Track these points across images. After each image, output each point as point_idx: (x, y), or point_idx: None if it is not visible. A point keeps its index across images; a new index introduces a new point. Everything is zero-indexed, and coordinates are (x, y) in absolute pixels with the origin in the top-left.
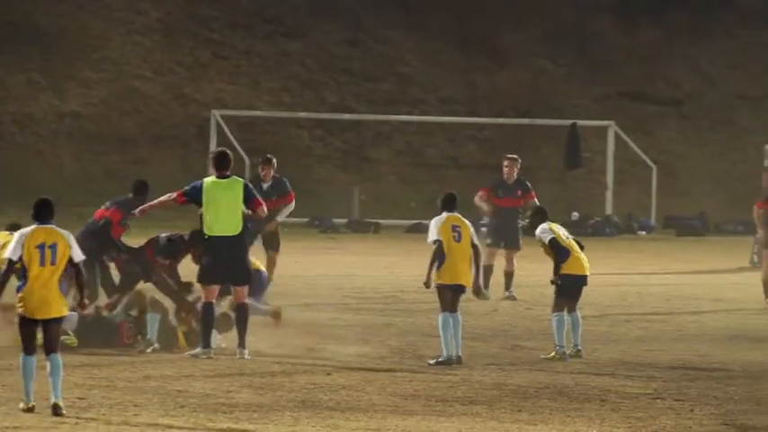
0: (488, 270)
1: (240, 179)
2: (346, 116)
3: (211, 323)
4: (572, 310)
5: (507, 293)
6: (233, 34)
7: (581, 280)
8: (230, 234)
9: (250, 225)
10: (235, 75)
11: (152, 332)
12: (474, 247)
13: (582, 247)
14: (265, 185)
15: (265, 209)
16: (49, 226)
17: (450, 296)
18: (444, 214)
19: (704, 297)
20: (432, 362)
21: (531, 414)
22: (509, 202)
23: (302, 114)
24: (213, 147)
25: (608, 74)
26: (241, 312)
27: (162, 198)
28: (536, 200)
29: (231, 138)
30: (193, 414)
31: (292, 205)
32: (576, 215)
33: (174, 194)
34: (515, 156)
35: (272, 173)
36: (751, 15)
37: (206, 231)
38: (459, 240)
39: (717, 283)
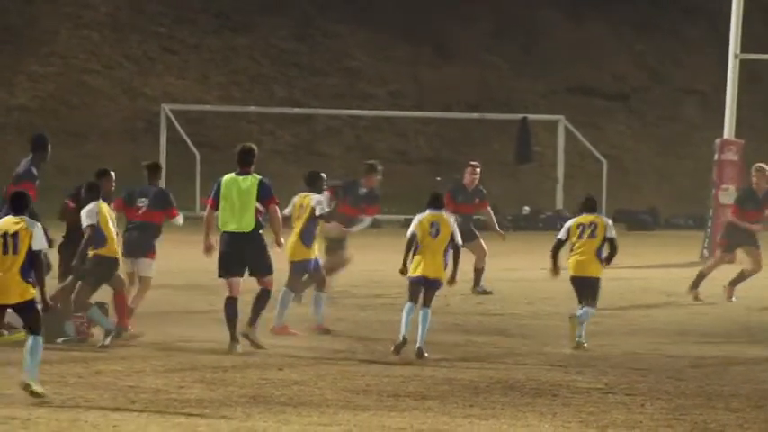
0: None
1: (257, 176)
2: (296, 110)
3: (233, 317)
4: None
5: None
6: (181, 29)
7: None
8: (242, 231)
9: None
10: (184, 69)
11: (103, 322)
12: (455, 246)
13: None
14: (363, 191)
15: (278, 209)
16: (19, 217)
17: (413, 288)
18: (427, 211)
19: (656, 291)
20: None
21: (483, 409)
22: (466, 209)
23: (252, 108)
24: (163, 141)
25: (556, 68)
26: (262, 297)
27: (208, 220)
28: (489, 209)
29: (181, 132)
30: (145, 410)
31: (370, 220)
32: (527, 209)
33: (207, 206)
34: (478, 163)
35: (376, 181)
36: (697, 11)
37: (219, 226)
38: (435, 236)
39: (668, 278)
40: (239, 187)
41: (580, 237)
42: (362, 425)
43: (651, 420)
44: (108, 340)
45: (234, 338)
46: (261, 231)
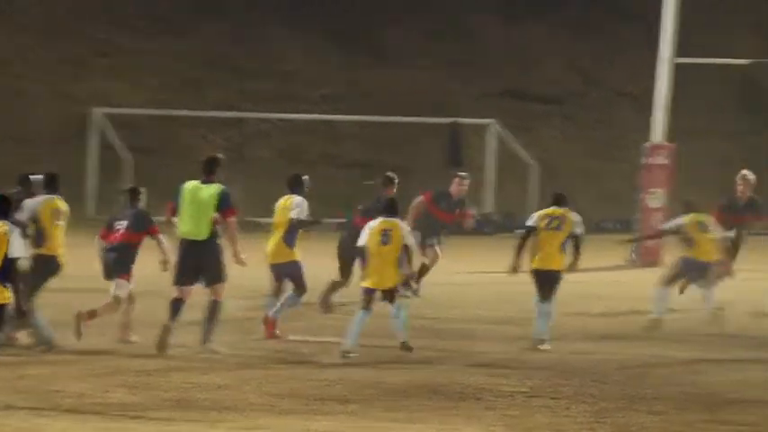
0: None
1: (220, 186)
2: (228, 114)
3: (176, 314)
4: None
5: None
6: (115, 32)
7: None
8: (197, 238)
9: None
10: (117, 72)
11: (44, 331)
12: (406, 247)
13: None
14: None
15: (235, 221)
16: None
17: (365, 297)
18: (379, 219)
19: (583, 294)
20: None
21: (408, 413)
22: (447, 217)
23: (184, 112)
24: (95, 145)
25: (490, 72)
26: (212, 308)
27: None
28: (472, 219)
29: (113, 136)
30: (68, 414)
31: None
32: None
33: (168, 211)
34: (466, 174)
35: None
36: (632, 14)
37: (177, 232)
38: (386, 243)
39: (596, 281)
40: (200, 195)
41: (547, 227)
42: (286, 429)
43: (574, 423)
44: (38, 346)
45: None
46: (218, 240)
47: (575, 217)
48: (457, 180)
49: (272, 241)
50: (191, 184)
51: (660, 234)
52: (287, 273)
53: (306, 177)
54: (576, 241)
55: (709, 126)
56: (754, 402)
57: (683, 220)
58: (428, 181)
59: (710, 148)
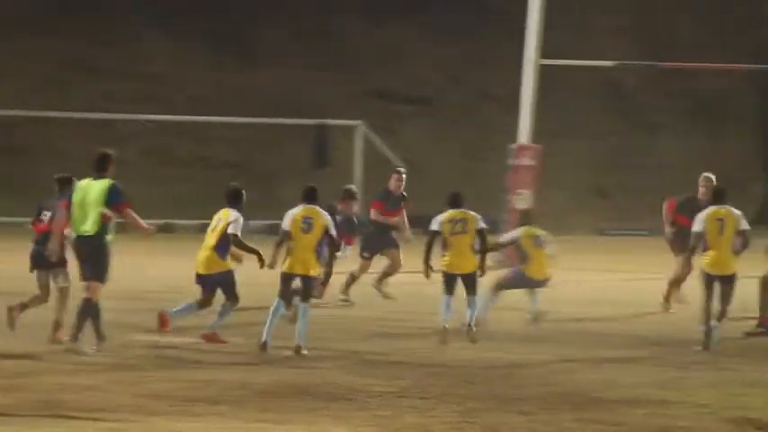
0: (352, 278)
1: (110, 180)
2: (96, 115)
3: (95, 316)
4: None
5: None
6: None
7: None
8: (86, 234)
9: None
10: None
11: None
12: (329, 236)
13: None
14: (338, 218)
15: (131, 211)
16: None
17: (283, 284)
18: (300, 206)
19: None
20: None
21: (278, 414)
22: (395, 215)
23: (51, 113)
24: None
25: (357, 73)
26: (83, 307)
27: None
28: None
29: None
30: None
31: (349, 250)
32: None
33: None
34: (404, 169)
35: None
36: (499, 15)
37: (72, 229)
38: (306, 232)
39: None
40: (90, 191)
41: (453, 232)
42: (154, 431)
43: (442, 423)
44: None
45: (100, 337)
46: (107, 237)
47: (474, 214)
48: (395, 176)
49: (203, 252)
50: (83, 182)
51: (497, 247)
52: (219, 283)
53: (243, 191)
54: (481, 236)
55: (574, 127)
56: (621, 402)
57: (518, 232)
58: (295, 183)
59: (575, 150)
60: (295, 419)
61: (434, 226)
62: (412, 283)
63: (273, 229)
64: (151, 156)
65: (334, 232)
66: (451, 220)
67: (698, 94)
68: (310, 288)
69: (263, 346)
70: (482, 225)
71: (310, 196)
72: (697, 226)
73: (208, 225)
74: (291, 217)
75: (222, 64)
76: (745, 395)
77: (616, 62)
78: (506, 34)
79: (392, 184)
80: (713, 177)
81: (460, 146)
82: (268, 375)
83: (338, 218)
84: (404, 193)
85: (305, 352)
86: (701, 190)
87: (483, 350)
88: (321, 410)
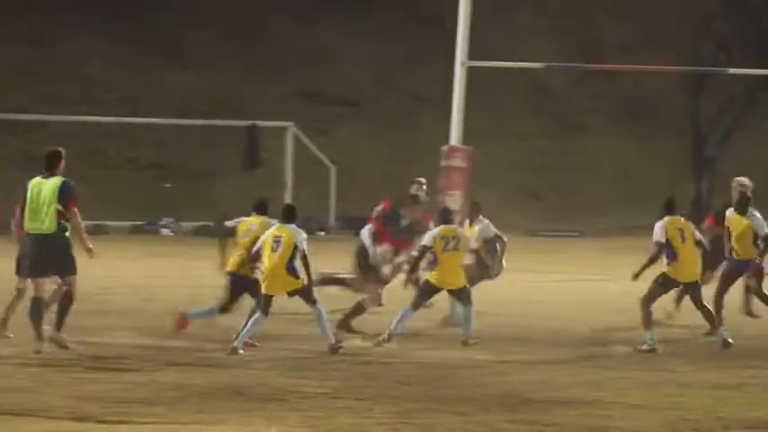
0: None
1: (61, 178)
2: (26, 117)
3: (38, 317)
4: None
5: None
6: None
7: None
8: (44, 233)
9: None
10: None
11: None
12: (302, 255)
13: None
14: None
15: (77, 211)
16: None
17: (265, 303)
18: (276, 225)
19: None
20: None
21: (212, 415)
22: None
23: None
24: None
25: (288, 74)
26: (65, 299)
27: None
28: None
29: None
30: None
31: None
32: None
33: (18, 207)
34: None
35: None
36: (429, 18)
37: (24, 227)
38: (275, 250)
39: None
40: (43, 189)
41: (445, 249)
42: None
43: (378, 424)
44: None
45: (39, 337)
46: (66, 234)
47: (464, 233)
48: (416, 186)
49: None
50: (34, 181)
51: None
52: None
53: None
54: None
55: (505, 129)
56: (555, 402)
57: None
58: (226, 184)
59: (507, 151)
60: (229, 420)
61: (426, 241)
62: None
63: (204, 231)
64: (83, 157)
65: (304, 248)
66: (444, 237)
67: (627, 95)
68: (305, 295)
69: (234, 350)
70: (472, 245)
71: (287, 215)
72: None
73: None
74: (264, 238)
75: (153, 66)
76: (680, 396)
77: (544, 64)
78: (439, 37)
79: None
80: (748, 182)
81: (392, 148)
82: (203, 376)
83: (403, 222)
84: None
85: (341, 346)
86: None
87: (417, 351)
88: (255, 411)
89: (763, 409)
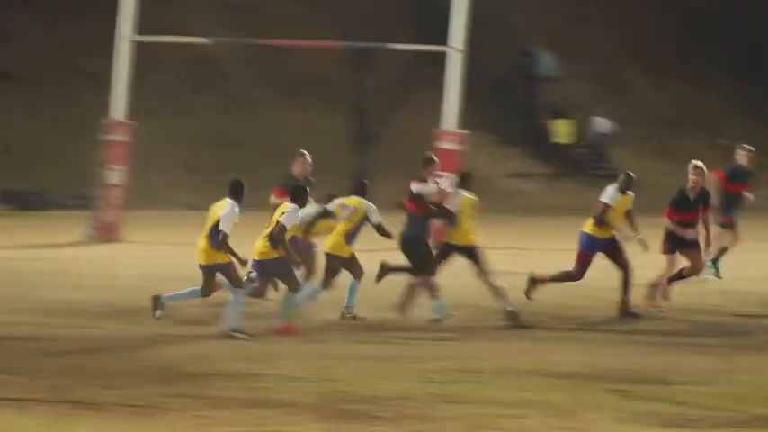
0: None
1: None
2: None
3: None
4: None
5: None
6: None
7: None
8: None
9: None
10: None
11: None
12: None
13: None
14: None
15: None
16: None
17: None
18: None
19: (55, 272)
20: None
21: None
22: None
23: None
24: None
25: None
26: None
27: None
28: None
29: None
30: None
31: None
32: None
33: None
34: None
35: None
36: None
37: None
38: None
39: (63, 257)
40: None
41: (341, 217)
42: None
43: (32, 401)
44: None
45: None
46: None
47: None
48: (300, 159)
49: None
50: None
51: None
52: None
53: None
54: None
55: (172, 105)
56: (212, 375)
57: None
58: None
59: (173, 126)
60: None
61: (330, 206)
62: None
63: None
64: None
65: (223, 225)
66: (344, 205)
67: (294, 71)
68: (225, 275)
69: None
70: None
71: (232, 192)
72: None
73: None
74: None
75: None
76: (332, 367)
77: (211, 39)
78: (104, 11)
79: (297, 168)
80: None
81: (53, 122)
82: None
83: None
84: (309, 178)
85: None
86: (692, 179)
87: (73, 325)
88: None
89: (410, 381)
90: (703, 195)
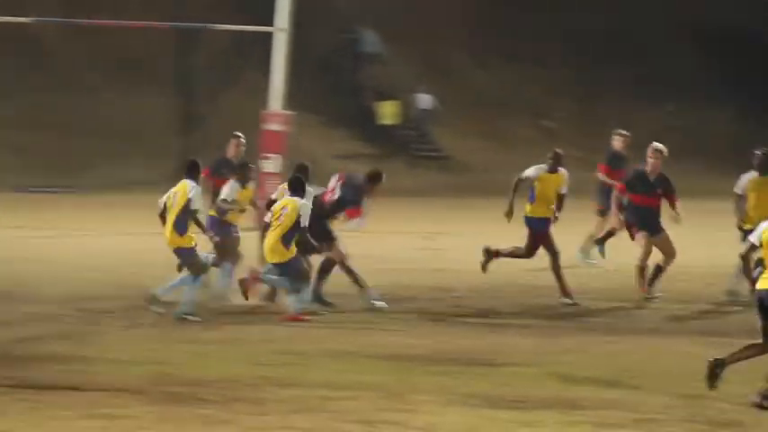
0: None
1: None
2: None
3: None
4: None
5: None
6: None
7: None
8: None
9: None
10: None
11: None
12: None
13: None
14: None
15: None
16: None
17: None
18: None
19: None
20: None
21: None
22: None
23: None
24: None
25: None
26: None
27: None
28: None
29: None
30: None
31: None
32: None
33: None
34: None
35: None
36: None
37: None
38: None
39: None
40: None
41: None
42: None
43: None
44: None
45: None
46: None
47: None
48: (234, 141)
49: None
50: None
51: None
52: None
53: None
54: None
55: None
56: (38, 358)
57: None
58: None
59: None
60: None
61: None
62: None
63: None
64: None
65: (193, 206)
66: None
67: (120, 52)
68: (186, 260)
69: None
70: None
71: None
72: None
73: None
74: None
75: None
76: (160, 350)
77: (32, 18)
78: None
79: (231, 150)
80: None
81: None
82: None
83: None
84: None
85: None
86: (650, 161)
87: None
88: None
89: (239, 364)
90: (662, 179)
